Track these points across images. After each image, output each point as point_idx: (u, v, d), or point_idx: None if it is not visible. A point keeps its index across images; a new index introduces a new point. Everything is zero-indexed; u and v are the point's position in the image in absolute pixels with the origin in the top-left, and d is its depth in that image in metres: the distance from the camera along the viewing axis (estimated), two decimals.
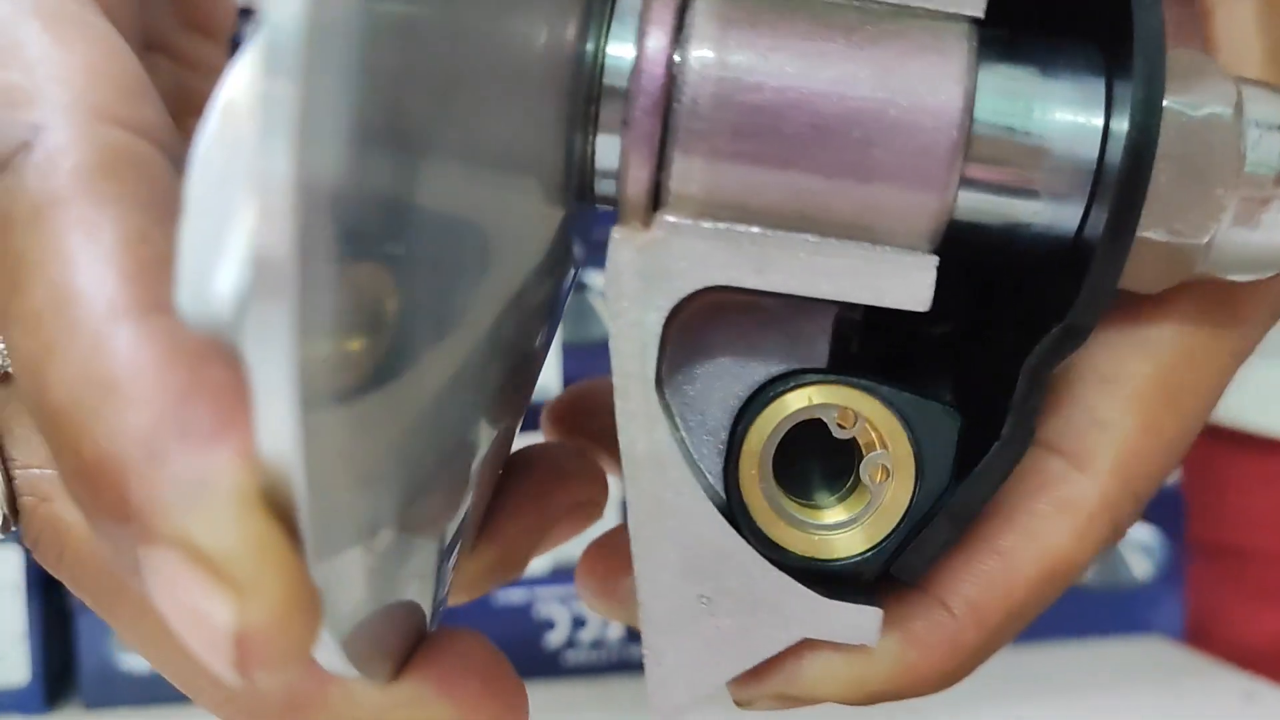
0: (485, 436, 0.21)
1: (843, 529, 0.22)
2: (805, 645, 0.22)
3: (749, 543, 0.21)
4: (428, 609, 0.21)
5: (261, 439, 0.14)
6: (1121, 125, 0.20)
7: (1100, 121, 0.20)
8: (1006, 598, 0.23)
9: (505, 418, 0.23)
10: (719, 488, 0.22)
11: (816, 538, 0.22)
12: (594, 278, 0.52)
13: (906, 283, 0.20)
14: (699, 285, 0.20)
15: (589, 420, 0.29)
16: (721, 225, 0.20)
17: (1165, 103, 0.20)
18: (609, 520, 0.57)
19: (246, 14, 0.49)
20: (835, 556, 0.22)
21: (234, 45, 0.32)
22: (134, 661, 0.49)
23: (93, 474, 0.16)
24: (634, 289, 0.20)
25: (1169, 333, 0.23)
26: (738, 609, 0.21)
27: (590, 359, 0.52)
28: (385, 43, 0.14)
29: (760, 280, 0.20)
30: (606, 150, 0.20)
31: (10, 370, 0.20)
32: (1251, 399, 0.55)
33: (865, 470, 0.21)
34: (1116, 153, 0.20)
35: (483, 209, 0.18)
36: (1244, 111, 0.21)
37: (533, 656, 0.53)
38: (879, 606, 0.21)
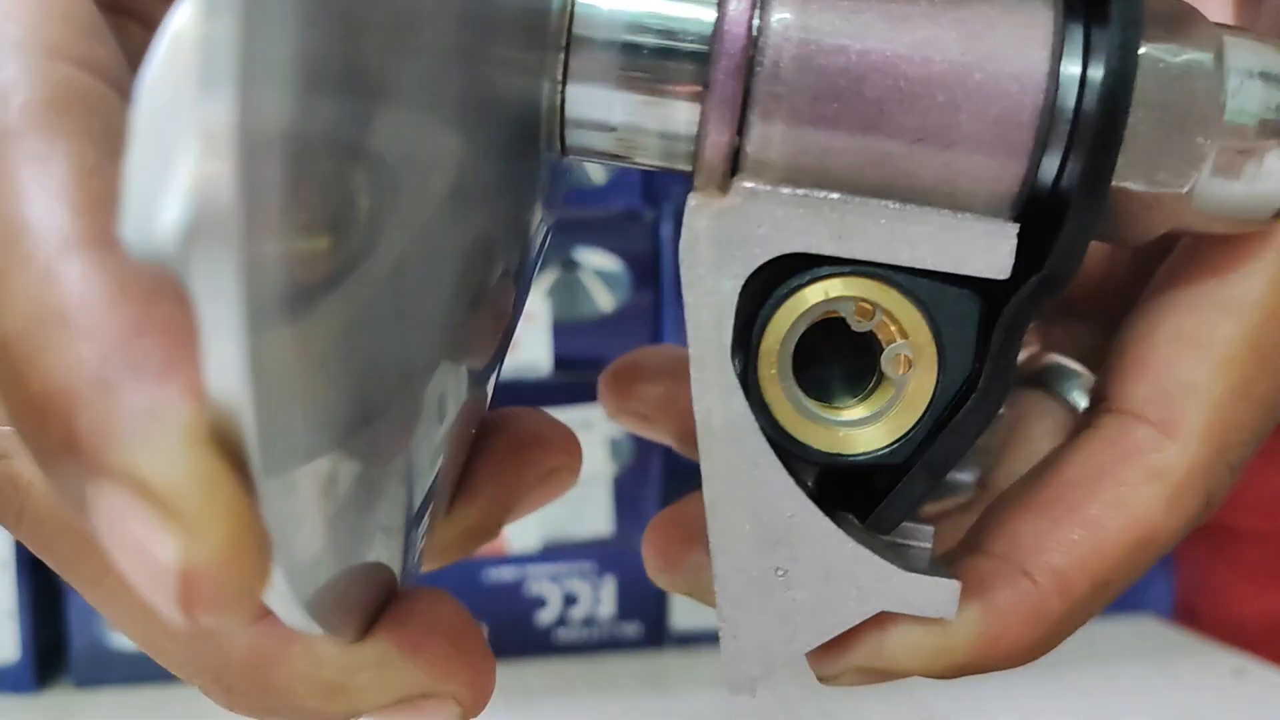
0: (456, 388, 0.21)
1: (867, 423, 0.21)
2: (886, 618, 0.22)
3: (771, 442, 0.21)
4: (397, 569, 0.21)
5: (209, 375, 0.13)
6: (1098, 73, 0.20)
7: (1077, 69, 0.20)
8: (1094, 568, 0.22)
9: (469, 359, 0.22)
10: None
11: (841, 433, 0.21)
12: (584, 255, 0.52)
13: (988, 250, 0.20)
14: (777, 252, 0.20)
15: (645, 388, 0.29)
16: (800, 191, 0.20)
17: (1143, 49, 0.20)
18: (589, 492, 0.56)
19: None
20: (860, 451, 0.21)
21: None
22: (125, 640, 0.48)
23: (41, 406, 0.16)
24: (710, 256, 0.20)
25: (1256, 292, 0.22)
26: (813, 581, 0.21)
27: (580, 336, 0.53)
28: None
29: (840, 247, 0.20)
30: (577, 100, 0.20)
31: None
32: None
33: (887, 362, 0.21)
34: (1093, 101, 0.20)
35: (439, 152, 0.18)
36: (1225, 59, 0.20)
37: (524, 634, 0.54)
38: (956, 578, 0.21)
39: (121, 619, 0.21)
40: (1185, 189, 0.20)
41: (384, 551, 0.20)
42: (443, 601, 0.21)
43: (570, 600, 0.54)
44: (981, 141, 0.20)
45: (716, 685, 0.24)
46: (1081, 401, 0.28)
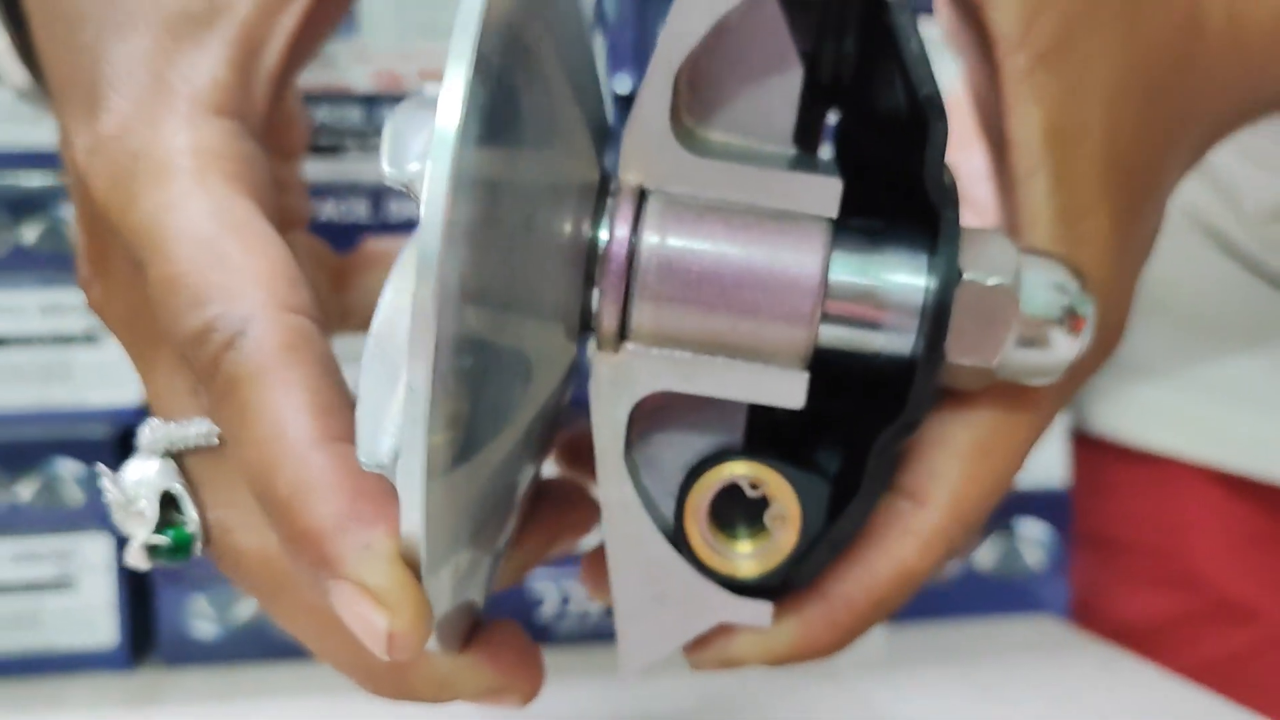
0: (525, 482, 0.30)
1: (749, 559, 0.30)
2: (732, 628, 0.30)
3: (689, 564, 0.30)
4: (481, 602, 0.30)
5: (403, 525, 0.22)
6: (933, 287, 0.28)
7: (923, 283, 0.29)
8: (869, 593, 0.31)
9: (539, 462, 0.31)
10: (668, 515, 0.30)
11: (732, 563, 0.30)
12: None
13: (787, 389, 0.29)
14: (651, 390, 0.28)
15: (583, 458, 0.37)
16: (665, 350, 0.28)
17: (966, 276, 0.28)
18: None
19: (311, 99, 0.56)
20: (743, 576, 0.30)
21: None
22: (204, 629, 0.56)
23: (302, 540, 0.24)
24: (608, 393, 0.28)
25: (982, 413, 0.31)
26: (678, 603, 0.30)
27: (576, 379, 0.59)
28: (473, 249, 0.22)
29: (690, 387, 0.28)
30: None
31: (208, 444, 0.28)
32: (1128, 417, 0.62)
33: (768, 518, 0.30)
34: (929, 309, 0.28)
35: (529, 339, 0.26)
36: (1022, 277, 0.29)
37: (527, 627, 0.55)
38: (774, 603, 0.30)
39: (305, 636, 0.28)
40: (994, 363, 0.29)
41: (476, 594, 0.28)
42: (512, 627, 0.29)
43: (566, 599, 0.59)
44: (777, 323, 0.27)
45: (689, 671, 0.32)
46: None
